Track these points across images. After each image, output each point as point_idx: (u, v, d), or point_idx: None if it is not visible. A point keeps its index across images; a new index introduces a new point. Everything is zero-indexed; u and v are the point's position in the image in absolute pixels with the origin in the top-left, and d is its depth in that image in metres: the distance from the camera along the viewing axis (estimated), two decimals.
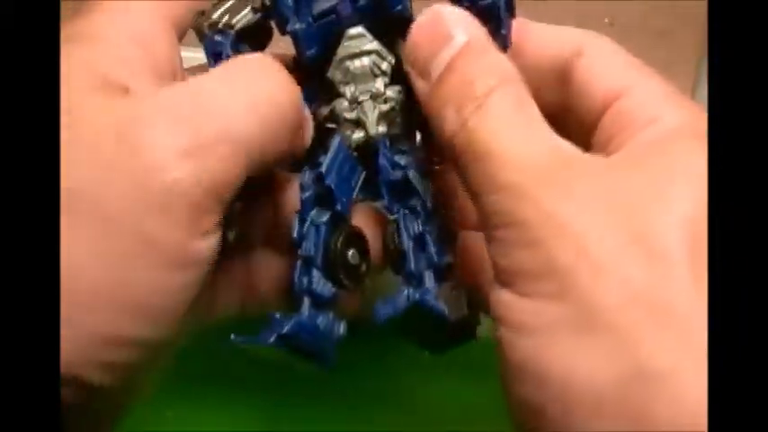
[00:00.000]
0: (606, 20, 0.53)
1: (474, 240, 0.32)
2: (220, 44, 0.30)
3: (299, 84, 0.30)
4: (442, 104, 0.28)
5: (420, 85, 0.29)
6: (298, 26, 0.29)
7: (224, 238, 0.28)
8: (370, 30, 0.31)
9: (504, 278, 0.26)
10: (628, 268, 0.23)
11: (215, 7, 0.31)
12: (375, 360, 0.34)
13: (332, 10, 0.30)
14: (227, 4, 0.31)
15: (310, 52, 0.30)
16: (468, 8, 0.29)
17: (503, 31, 0.29)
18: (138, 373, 0.28)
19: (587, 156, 0.26)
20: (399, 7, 0.30)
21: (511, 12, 0.30)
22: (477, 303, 0.30)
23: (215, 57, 0.30)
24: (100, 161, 0.26)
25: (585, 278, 0.24)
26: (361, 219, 0.32)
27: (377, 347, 0.34)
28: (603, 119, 0.28)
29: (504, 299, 0.26)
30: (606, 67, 0.29)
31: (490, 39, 0.28)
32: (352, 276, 0.30)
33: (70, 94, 0.27)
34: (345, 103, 0.31)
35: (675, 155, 0.25)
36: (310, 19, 0.30)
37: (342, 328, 0.30)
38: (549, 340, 0.24)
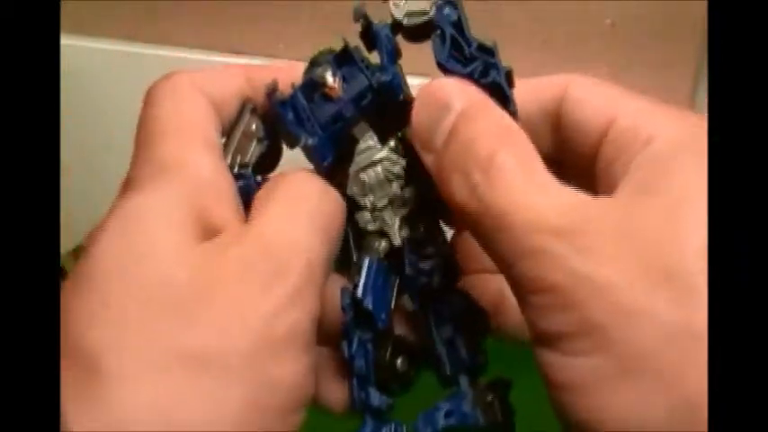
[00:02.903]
0: (607, 20, 0.53)
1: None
2: (245, 188, 0.31)
3: None
4: (448, 173, 0.28)
5: (428, 159, 0.29)
6: (310, 141, 0.31)
7: None
8: (374, 122, 0.32)
9: (545, 340, 0.26)
10: (659, 310, 0.24)
11: (224, 151, 0.32)
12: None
13: (337, 116, 0.31)
14: (234, 146, 0.32)
15: (327, 162, 0.31)
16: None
17: (510, 107, 0.30)
18: None
19: (598, 200, 0.26)
20: (401, 96, 0.31)
21: (510, 84, 0.30)
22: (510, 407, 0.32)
23: (244, 198, 0.31)
24: (216, 316, 0.26)
25: (622, 329, 0.24)
26: (403, 317, 0.33)
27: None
28: (602, 149, 0.29)
29: (547, 360, 0.26)
30: (592, 100, 0.30)
31: (489, 99, 0.29)
32: (404, 383, 0.32)
33: (160, 236, 0.27)
34: (367, 215, 0.32)
35: (677, 178, 0.25)
36: (320, 131, 0.31)
37: (404, 429, 0.32)
38: (598, 393, 0.24)
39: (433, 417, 0.32)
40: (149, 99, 0.30)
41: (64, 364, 0.25)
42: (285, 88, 0.31)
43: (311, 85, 0.31)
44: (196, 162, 0.29)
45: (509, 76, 0.30)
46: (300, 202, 0.29)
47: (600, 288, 0.24)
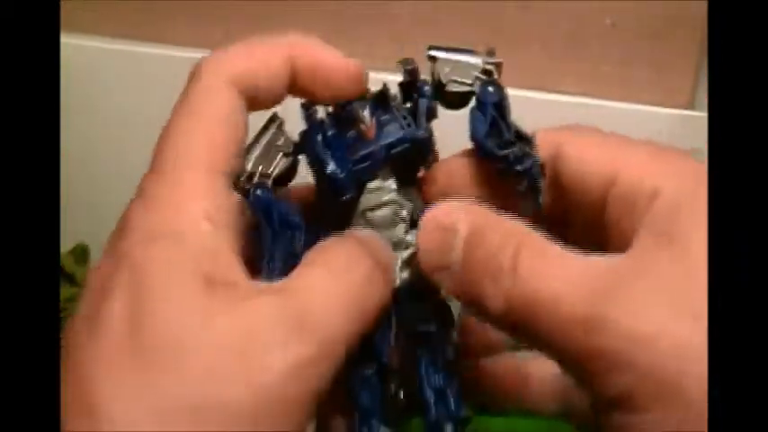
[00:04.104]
0: (607, 20, 0.53)
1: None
2: (265, 200, 0.31)
3: (317, 208, 0.32)
4: (475, 287, 0.29)
5: (440, 279, 0.30)
6: (340, 173, 0.31)
7: None
8: (395, 167, 0.33)
9: (613, 405, 0.26)
10: (699, 348, 0.24)
11: (245, 158, 0.32)
12: None
13: (368, 156, 0.32)
14: (256, 153, 0.32)
15: (347, 197, 0.31)
16: (503, 170, 0.31)
17: (538, 200, 0.31)
18: None
19: (622, 260, 0.27)
20: (429, 155, 0.33)
21: (543, 175, 0.31)
22: None
23: (265, 212, 0.31)
24: (220, 375, 0.26)
25: (678, 375, 0.24)
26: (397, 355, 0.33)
27: None
28: (608, 206, 0.29)
29: (619, 423, 0.26)
30: (590, 157, 0.30)
31: (490, 212, 0.30)
32: (406, 415, 0.33)
33: (169, 300, 0.27)
34: None
35: (687, 229, 0.26)
36: (350, 165, 0.31)
37: None
38: None
39: None
40: (181, 101, 0.30)
41: (72, 410, 0.25)
42: (321, 77, 0.31)
43: (347, 118, 0.32)
44: (199, 230, 0.28)
45: (542, 168, 0.31)
46: (346, 275, 0.29)
47: (647, 341, 0.25)
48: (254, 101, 0.31)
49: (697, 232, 0.26)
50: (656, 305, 0.25)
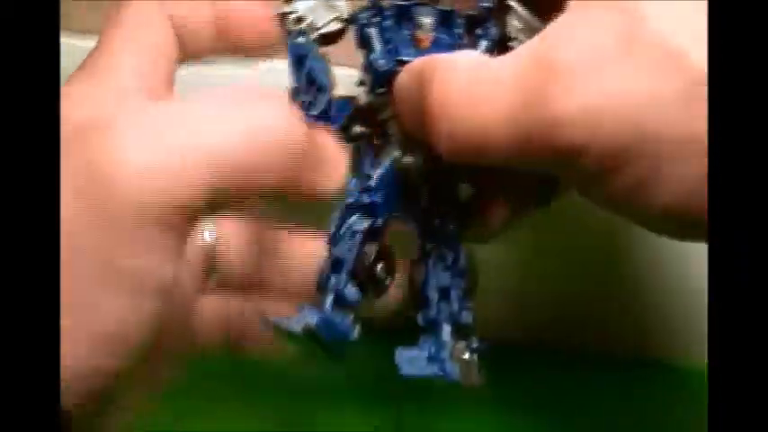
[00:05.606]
0: None
1: None
2: (303, 49, 0.31)
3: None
4: (428, 135, 0.28)
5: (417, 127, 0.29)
6: (383, 65, 0.31)
7: (206, 279, 0.31)
8: None
9: (585, 182, 0.27)
10: None
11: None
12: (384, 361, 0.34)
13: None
14: (313, 1, 0.32)
15: (382, 91, 0.31)
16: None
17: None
18: (117, 402, 0.28)
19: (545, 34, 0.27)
20: None
21: None
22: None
23: (297, 59, 0.31)
24: (71, 191, 0.25)
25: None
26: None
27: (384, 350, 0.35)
28: None
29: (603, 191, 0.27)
30: None
31: (437, 56, 0.29)
32: (377, 288, 0.32)
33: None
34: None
35: None
36: (394, 63, 0.31)
37: (356, 331, 0.31)
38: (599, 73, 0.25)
39: (415, 358, 0.31)
40: (113, 17, 0.32)
41: None
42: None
43: (408, 17, 0.31)
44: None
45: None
46: (241, 104, 0.28)
47: (597, 115, 0.25)
48: (183, 47, 0.31)
49: None
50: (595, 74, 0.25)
